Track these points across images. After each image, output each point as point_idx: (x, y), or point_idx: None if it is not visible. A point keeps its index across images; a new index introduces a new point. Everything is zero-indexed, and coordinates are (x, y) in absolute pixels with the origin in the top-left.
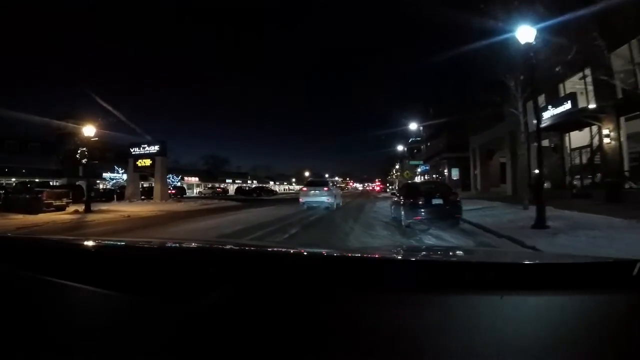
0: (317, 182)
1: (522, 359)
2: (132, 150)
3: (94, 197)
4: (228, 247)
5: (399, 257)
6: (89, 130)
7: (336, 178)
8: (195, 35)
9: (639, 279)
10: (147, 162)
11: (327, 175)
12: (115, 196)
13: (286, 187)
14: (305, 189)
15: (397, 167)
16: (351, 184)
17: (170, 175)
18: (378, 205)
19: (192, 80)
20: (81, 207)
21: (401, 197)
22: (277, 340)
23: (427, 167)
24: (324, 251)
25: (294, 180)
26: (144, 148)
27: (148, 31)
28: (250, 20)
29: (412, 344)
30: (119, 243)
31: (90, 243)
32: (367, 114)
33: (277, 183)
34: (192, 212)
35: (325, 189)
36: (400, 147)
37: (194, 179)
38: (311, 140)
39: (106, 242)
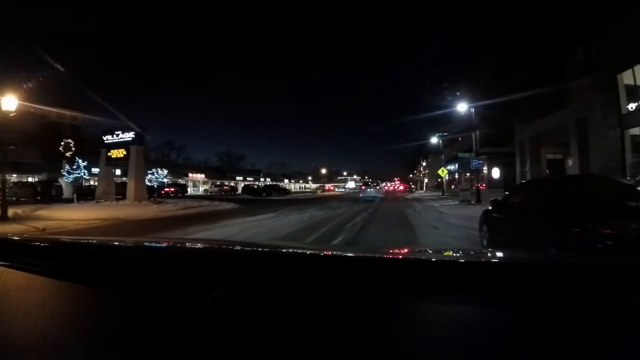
0: (369, 184)
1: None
2: (104, 139)
3: (54, 196)
4: (227, 247)
5: (408, 258)
6: (8, 102)
7: (355, 176)
8: (211, 36)
9: None
10: (121, 152)
11: (345, 174)
12: (75, 196)
13: (302, 185)
14: (363, 187)
15: (423, 164)
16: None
17: (155, 170)
18: (425, 215)
19: (211, 80)
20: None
21: (539, 215)
22: (273, 342)
23: (480, 162)
24: (324, 251)
25: (310, 178)
26: (117, 135)
27: (166, 32)
28: (265, 19)
29: (418, 346)
30: (113, 243)
31: (86, 242)
32: (387, 109)
33: (293, 181)
34: (154, 223)
35: (377, 187)
36: (434, 140)
37: (200, 176)
38: (329, 138)
39: (99, 241)
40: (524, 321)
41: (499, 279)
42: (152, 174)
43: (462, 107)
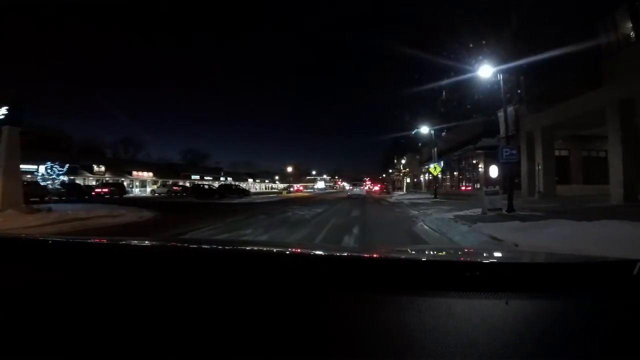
0: (357, 184)
1: None
2: None
3: None
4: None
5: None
6: None
7: (324, 176)
8: (185, 33)
9: (639, 279)
10: None
11: (314, 173)
12: None
13: (269, 185)
14: (350, 187)
15: (403, 161)
16: (339, 182)
17: (50, 164)
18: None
19: (177, 75)
20: None
21: None
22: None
23: (514, 153)
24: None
25: (277, 177)
26: None
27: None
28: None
29: (400, 344)
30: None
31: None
32: (364, 101)
33: (258, 181)
34: None
35: (361, 187)
36: (424, 130)
37: (147, 174)
38: (301, 138)
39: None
40: (517, 321)
41: (492, 278)
42: (48, 169)
43: (485, 71)
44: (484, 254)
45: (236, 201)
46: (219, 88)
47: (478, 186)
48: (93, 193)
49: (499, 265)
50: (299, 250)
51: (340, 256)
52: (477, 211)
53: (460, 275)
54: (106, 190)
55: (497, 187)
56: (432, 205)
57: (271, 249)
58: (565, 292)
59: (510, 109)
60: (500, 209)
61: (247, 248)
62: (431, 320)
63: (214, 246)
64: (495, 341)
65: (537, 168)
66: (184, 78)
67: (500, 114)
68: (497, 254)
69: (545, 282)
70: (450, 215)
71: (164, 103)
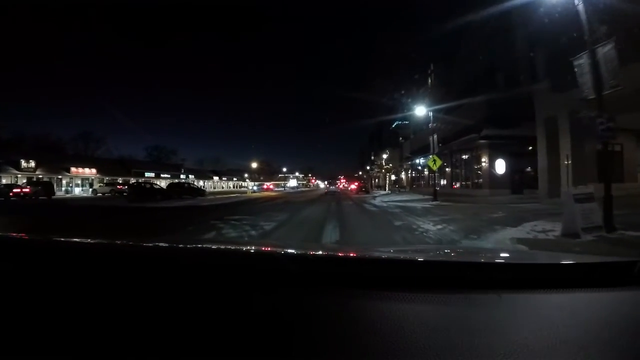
0: (332, 182)
1: (522, 359)
2: None
3: None
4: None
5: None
6: None
7: (297, 174)
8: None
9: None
10: None
11: (284, 170)
12: None
13: (238, 183)
14: (326, 185)
15: (384, 156)
16: (313, 181)
17: None
18: None
19: (144, 70)
20: None
21: None
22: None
23: (610, 126)
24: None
25: (246, 175)
26: None
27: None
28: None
29: (397, 342)
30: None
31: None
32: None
33: (225, 179)
34: None
35: (336, 185)
36: (420, 112)
37: (90, 171)
38: (275, 135)
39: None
40: (517, 320)
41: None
42: None
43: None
44: (484, 255)
45: (179, 204)
46: (192, 85)
47: (470, 183)
48: (11, 194)
49: (500, 264)
50: (297, 251)
51: (327, 255)
52: (543, 227)
53: (461, 276)
54: (27, 190)
55: (592, 188)
56: (442, 214)
57: (240, 247)
58: (567, 291)
59: (606, 49)
60: (601, 227)
61: (214, 247)
62: (429, 319)
63: (171, 245)
64: (494, 340)
65: (565, 162)
66: (156, 74)
67: (582, 60)
68: (505, 254)
69: (546, 281)
70: (506, 237)
71: (133, 99)
